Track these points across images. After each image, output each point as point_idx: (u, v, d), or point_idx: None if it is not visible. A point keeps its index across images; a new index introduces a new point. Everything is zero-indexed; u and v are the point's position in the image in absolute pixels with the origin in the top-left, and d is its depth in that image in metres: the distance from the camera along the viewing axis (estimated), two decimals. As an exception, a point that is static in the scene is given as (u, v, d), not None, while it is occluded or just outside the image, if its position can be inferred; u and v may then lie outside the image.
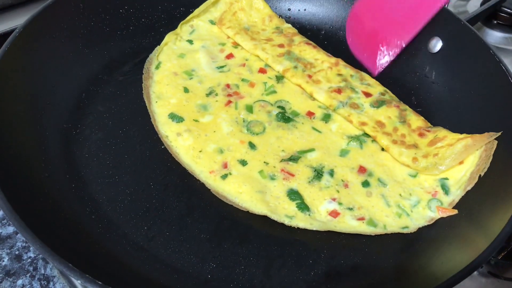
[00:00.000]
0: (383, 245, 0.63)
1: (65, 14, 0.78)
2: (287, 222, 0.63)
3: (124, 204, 0.64)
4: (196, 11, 0.89)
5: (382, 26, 0.81)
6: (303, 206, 0.65)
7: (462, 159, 0.67)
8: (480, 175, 0.65)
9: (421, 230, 0.64)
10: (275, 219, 0.63)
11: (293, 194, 0.66)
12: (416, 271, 0.59)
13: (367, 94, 0.77)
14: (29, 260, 0.67)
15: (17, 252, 0.68)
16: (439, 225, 0.64)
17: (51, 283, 0.65)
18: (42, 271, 0.66)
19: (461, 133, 0.71)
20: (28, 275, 0.66)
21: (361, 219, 0.64)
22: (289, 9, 0.95)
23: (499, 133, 0.66)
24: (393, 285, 0.58)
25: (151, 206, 0.64)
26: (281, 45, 0.85)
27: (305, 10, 0.95)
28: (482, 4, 1.12)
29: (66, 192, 0.64)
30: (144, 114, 0.75)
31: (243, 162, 0.69)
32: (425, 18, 0.79)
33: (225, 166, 0.69)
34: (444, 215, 0.64)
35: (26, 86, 0.70)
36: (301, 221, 0.64)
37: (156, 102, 0.77)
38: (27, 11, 0.97)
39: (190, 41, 0.87)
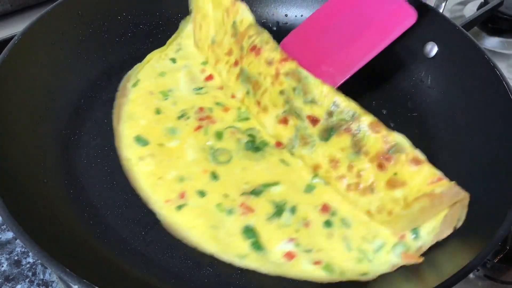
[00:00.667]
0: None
1: (63, 21, 0.79)
2: (237, 262, 0.60)
3: (122, 210, 0.64)
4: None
5: (315, 64, 0.72)
6: (257, 246, 0.61)
7: (420, 224, 0.60)
8: (455, 227, 0.59)
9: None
10: (224, 259, 0.60)
11: (249, 232, 0.62)
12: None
13: (314, 121, 0.66)
14: (28, 265, 0.68)
15: (16, 258, 0.68)
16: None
17: (50, 288, 0.66)
18: (41, 276, 0.67)
19: (458, 137, 0.72)
20: (27, 280, 0.66)
21: (318, 263, 0.59)
22: (286, 15, 0.96)
23: (467, 195, 0.58)
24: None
25: (148, 211, 0.65)
26: (236, 63, 0.76)
27: (301, 16, 0.95)
28: (478, 9, 1.13)
29: (64, 198, 0.64)
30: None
31: (202, 193, 0.66)
32: (377, 48, 0.71)
33: (182, 196, 0.65)
34: (408, 262, 0.58)
35: (24, 92, 0.70)
36: (252, 261, 0.59)
37: (126, 122, 0.74)
38: (25, 18, 0.98)
39: (173, 60, 0.84)
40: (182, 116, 0.75)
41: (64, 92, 0.76)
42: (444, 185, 0.58)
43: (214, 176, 0.68)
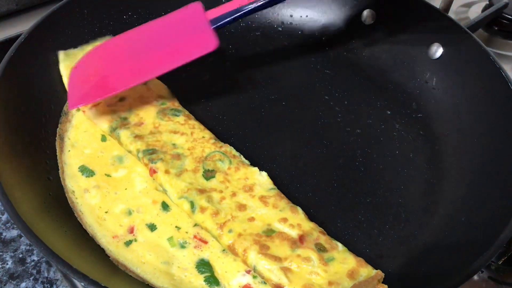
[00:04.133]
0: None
1: (69, 20, 0.80)
2: None
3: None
4: None
5: (109, 67, 0.73)
6: (212, 280, 0.58)
7: None
8: None
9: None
10: None
11: (203, 266, 0.59)
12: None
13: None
14: (32, 263, 0.68)
15: (20, 256, 0.69)
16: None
17: (54, 286, 0.66)
18: (46, 274, 0.67)
19: (463, 137, 0.72)
20: (31, 278, 0.66)
21: None
22: (291, 16, 0.96)
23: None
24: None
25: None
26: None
27: (307, 16, 0.95)
28: (483, 11, 1.13)
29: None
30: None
31: (152, 227, 0.62)
32: (165, 67, 0.70)
33: (131, 231, 0.62)
34: None
35: (30, 90, 0.71)
36: None
37: (69, 151, 0.69)
38: (31, 17, 0.98)
39: None
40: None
41: (69, 91, 0.76)
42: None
43: (165, 206, 0.64)
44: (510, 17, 1.10)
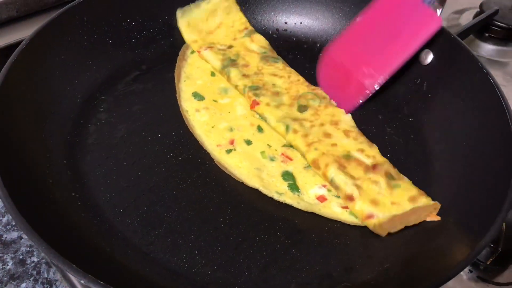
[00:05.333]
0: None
1: (69, 27, 0.81)
2: (276, 197, 0.69)
3: (125, 209, 0.66)
4: None
5: (355, 65, 0.81)
6: (294, 187, 0.70)
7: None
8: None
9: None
10: (266, 193, 0.69)
11: (287, 176, 0.71)
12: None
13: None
14: (32, 264, 0.69)
15: (21, 257, 0.70)
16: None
17: (54, 286, 0.67)
18: (45, 275, 0.68)
19: (453, 141, 0.74)
20: (31, 278, 0.68)
21: (346, 207, 0.67)
22: (285, 22, 0.98)
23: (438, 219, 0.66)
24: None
25: (150, 212, 0.67)
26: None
27: (301, 23, 0.97)
28: (474, 17, 1.15)
29: (69, 198, 0.66)
30: (146, 122, 0.78)
31: (249, 142, 0.75)
32: (405, 55, 0.78)
33: (231, 142, 0.75)
34: (430, 219, 0.66)
35: (31, 96, 0.72)
36: (289, 199, 0.68)
37: (185, 81, 0.85)
38: (31, 24, 0.99)
39: None
40: None
41: (69, 96, 0.78)
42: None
43: (260, 129, 0.78)
44: (500, 23, 1.12)
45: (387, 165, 0.71)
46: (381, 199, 0.66)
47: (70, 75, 0.79)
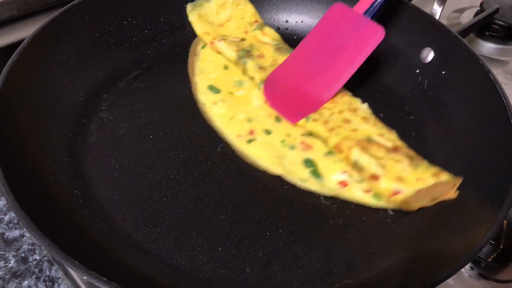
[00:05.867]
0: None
1: (71, 26, 0.81)
2: (299, 183, 0.70)
3: (127, 207, 0.66)
4: None
5: (303, 83, 0.81)
6: (316, 173, 0.71)
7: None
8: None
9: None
10: (289, 180, 0.71)
11: (309, 163, 0.73)
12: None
13: None
14: (34, 262, 0.69)
15: (23, 255, 0.70)
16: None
17: (56, 284, 0.67)
18: (47, 273, 0.68)
19: (453, 139, 0.74)
20: (33, 276, 0.68)
21: (368, 191, 0.69)
22: (286, 21, 0.98)
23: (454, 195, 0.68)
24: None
25: (152, 210, 0.67)
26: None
27: (302, 22, 0.98)
28: (475, 16, 1.15)
29: (71, 196, 0.66)
30: (147, 121, 0.78)
31: (268, 132, 0.77)
32: (351, 69, 0.78)
33: (251, 133, 0.77)
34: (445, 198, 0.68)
35: (33, 94, 0.73)
36: (312, 185, 0.70)
37: (199, 75, 0.86)
38: (32, 23, 1.00)
39: None
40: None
41: (70, 94, 0.78)
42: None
43: (278, 119, 0.79)
44: (501, 22, 1.12)
45: (406, 149, 0.73)
46: (406, 176, 0.67)
47: (71, 74, 0.80)
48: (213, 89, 0.83)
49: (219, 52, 0.89)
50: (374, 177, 0.67)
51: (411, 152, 0.72)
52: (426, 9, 0.89)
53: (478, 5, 1.17)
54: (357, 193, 0.69)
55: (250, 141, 0.75)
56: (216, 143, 0.76)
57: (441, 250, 0.60)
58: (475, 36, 1.14)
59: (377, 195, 0.68)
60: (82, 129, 0.76)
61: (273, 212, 0.68)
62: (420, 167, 0.69)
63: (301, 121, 0.77)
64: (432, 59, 0.84)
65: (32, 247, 0.71)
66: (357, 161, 0.69)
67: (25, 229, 0.71)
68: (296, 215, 0.67)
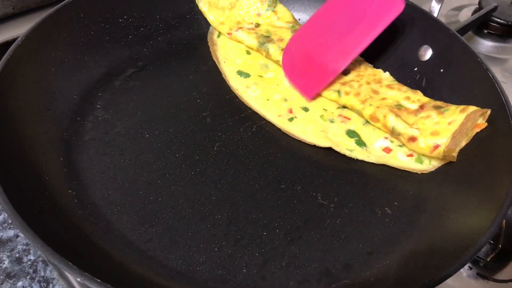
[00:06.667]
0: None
1: (66, 24, 0.81)
2: (348, 154, 0.74)
3: (122, 207, 0.66)
4: None
5: (318, 52, 0.82)
6: (361, 142, 0.76)
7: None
8: None
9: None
10: (338, 150, 0.74)
11: (352, 133, 0.77)
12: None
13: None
14: (29, 262, 0.69)
15: (17, 255, 0.69)
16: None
17: (51, 285, 0.66)
18: (42, 273, 0.68)
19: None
20: (28, 277, 0.67)
21: (410, 155, 0.74)
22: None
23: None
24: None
25: (147, 209, 0.66)
26: None
27: (299, 19, 0.98)
28: (473, 14, 1.15)
29: (66, 195, 0.65)
30: (143, 119, 0.77)
31: (305, 109, 0.81)
32: (368, 39, 0.78)
33: (290, 111, 0.80)
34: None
35: (27, 92, 0.72)
36: (359, 154, 0.74)
37: (224, 62, 0.89)
38: (27, 20, 0.99)
39: None
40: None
41: (65, 92, 0.77)
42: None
43: None
44: (499, 20, 1.12)
45: (432, 102, 0.76)
46: (439, 127, 0.70)
47: (66, 72, 0.79)
48: (242, 73, 0.86)
49: (238, 41, 0.91)
50: (412, 139, 0.71)
51: (438, 103, 0.76)
52: (425, 7, 0.89)
53: (477, 3, 1.17)
54: (402, 158, 0.74)
55: (291, 119, 0.79)
56: (213, 142, 0.76)
57: (439, 250, 0.60)
58: (473, 34, 1.14)
59: (419, 159, 0.73)
60: (77, 127, 0.75)
61: (270, 212, 0.67)
62: (448, 111, 0.72)
63: (334, 96, 0.80)
64: (431, 57, 0.83)
65: (27, 248, 0.70)
66: (394, 127, 0.73)
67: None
68: (293, 215, 0.67)
